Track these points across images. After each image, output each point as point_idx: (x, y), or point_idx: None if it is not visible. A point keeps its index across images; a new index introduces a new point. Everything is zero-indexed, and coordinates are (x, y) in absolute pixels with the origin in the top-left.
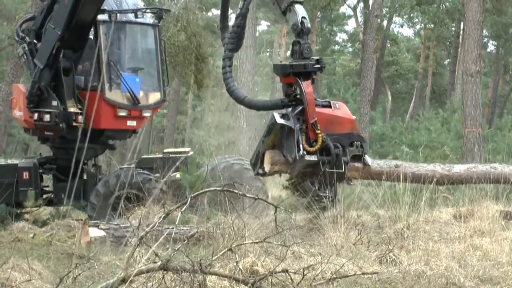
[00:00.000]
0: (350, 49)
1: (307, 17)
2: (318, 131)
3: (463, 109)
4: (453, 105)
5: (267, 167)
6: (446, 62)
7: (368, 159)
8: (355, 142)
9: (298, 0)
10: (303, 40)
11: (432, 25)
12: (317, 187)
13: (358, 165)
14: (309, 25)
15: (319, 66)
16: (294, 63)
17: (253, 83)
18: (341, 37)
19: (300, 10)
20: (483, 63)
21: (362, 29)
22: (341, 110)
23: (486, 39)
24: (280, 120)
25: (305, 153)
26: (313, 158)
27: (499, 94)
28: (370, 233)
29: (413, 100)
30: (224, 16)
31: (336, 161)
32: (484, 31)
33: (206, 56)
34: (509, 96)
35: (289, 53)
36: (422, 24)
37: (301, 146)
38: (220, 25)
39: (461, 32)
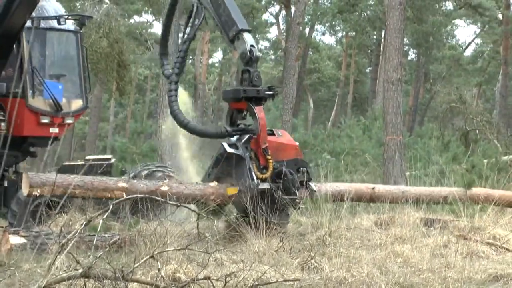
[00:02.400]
0: (272, 57)
1: (255, 45)
2: (269, 157)
3: (384, 117)
4: (374, 112)
5: (25, 190)
6: (367, 70)
7: (312, 185)
8: (301, 168)
9: (246, 28)
10: (252, 68)
11: (354, 33)
12: (269, 214)
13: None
14: (258, 54)
15: (271, 93)
16: (247, 88)
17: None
18: (263, 44)
19: (248, 39)
20: (404, 71)
21: (284, 36)
22: (285, 137)
23: (407, 47)
24: (230, 150)
25: (259, 181)
26: (266, 185)
27: (419, 102)
28: (292, 240)
29: (335, 107)
30: (164, 43)
31: (290, 187)
32: (405, 39)
33: (128, 63)
34: (429, 104)
35: (211, 60)
36: (344, 32)
37: (253, 174)
38: (160, 51)
39: (382, 40)
